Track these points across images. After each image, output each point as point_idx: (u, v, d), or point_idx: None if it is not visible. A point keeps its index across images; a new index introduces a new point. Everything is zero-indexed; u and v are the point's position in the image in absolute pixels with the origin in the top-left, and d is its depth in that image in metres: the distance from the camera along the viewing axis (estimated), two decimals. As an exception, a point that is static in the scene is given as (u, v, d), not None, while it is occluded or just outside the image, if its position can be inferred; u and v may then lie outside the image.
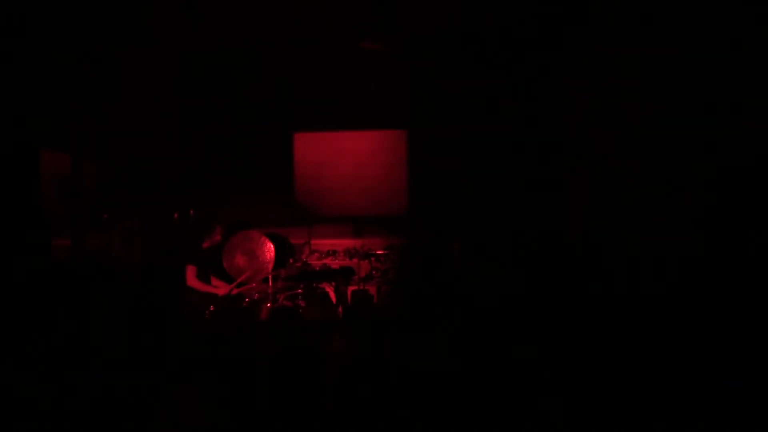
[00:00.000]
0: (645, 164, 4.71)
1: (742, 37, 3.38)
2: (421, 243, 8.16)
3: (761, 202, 3.06)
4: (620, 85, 5.31)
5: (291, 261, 7.49)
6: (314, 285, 7.40)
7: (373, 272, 7.93)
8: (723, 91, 3.59)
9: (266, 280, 5.68)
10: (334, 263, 8.04)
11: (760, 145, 3.14)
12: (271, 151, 8.48)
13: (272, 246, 6.32)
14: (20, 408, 3.67)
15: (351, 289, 7.56)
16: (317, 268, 7.70)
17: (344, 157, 8.45)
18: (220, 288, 5.61)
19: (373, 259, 8.02)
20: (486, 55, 7.92)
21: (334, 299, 7.45)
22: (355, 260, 8.13)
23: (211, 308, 4.97)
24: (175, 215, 7.88)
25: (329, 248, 8.41)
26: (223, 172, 8.54)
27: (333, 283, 7.47)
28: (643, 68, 4.80)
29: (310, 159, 8.50)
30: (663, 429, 3.57)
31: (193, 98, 8.35)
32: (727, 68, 3.54)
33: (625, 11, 5.27)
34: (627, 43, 5.18)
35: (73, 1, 5.36)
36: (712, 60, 3.71)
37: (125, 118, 6.35)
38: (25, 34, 4.67)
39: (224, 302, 5.32)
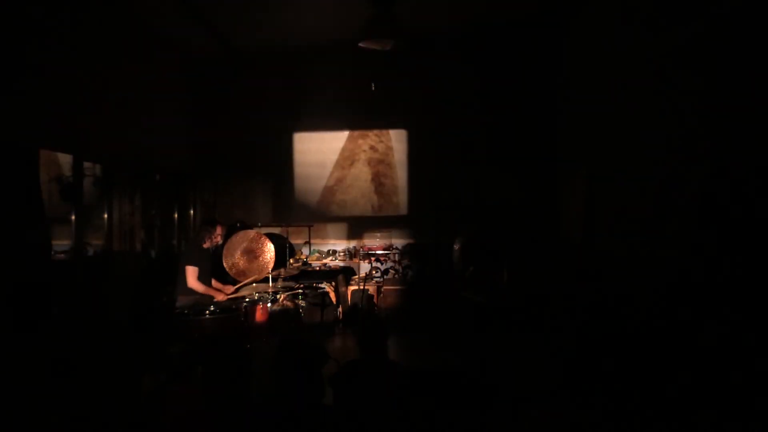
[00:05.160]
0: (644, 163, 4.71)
1: (742, 35, 3.38)
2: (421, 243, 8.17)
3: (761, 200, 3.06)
4: (619, 82, 5.31)
5: (291, 261, 7.49)
6: (314, 285, 7.41)
7: (373, 272, 7.94)
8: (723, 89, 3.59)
9: (266, 280, 5.68)
10: (334, 263, 8.06)
11: (760, 143, 3.14)
12: (271, 152, 8.49)
13: (272, 246, 6.32)
14: (21, 407, 3.67)
15: (351, 289, 7.57)
16: (317, 268, 7.70)
17: (344, 157, 8.45)
18: (220, 292, 5.61)
19: (373, 259, 8.02)
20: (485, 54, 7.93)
21: (334, 299, 7.46)
22: (355, 260, 8.14)
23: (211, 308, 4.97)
24: (176, 215, 7.88)
25: (329, 248, 8.41)
26: (223, 172, 8.57)
27: (333, 283, 7.48)
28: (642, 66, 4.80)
29: (310, 159, 8.50)
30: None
31: (194, 98, 8.37)
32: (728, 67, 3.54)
33: (622, 10, 5.27)
34: (625, 40, 5.18)
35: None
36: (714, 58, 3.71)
37: (125, 118, 6.35)
38: (25, 35, 4.67)
39: (224, 303, 5.33)
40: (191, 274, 5.39)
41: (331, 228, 8.44)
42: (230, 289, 5.76)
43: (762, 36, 3.15)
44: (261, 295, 5.48)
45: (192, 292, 5.38)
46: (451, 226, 7.64)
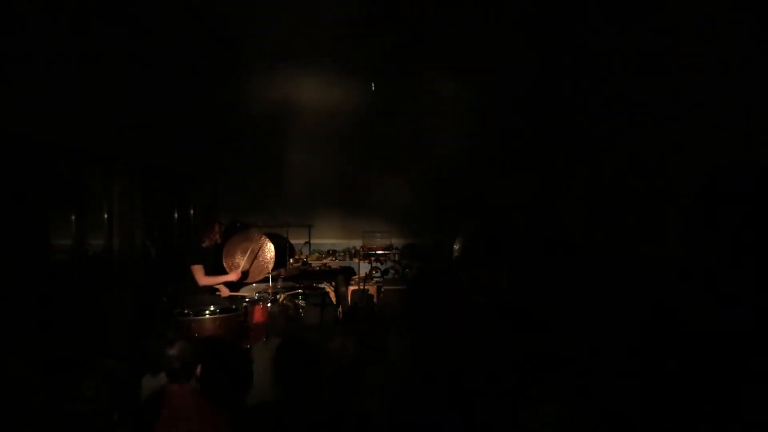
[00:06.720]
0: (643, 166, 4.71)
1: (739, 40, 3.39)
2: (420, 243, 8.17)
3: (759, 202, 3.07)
4: (619, 85, 5.31)
5: (291, 261, 7.49)
6: (314, 285, 7.41)
7: (373, 272, 7.93)
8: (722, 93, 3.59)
9: (266, 280, 5.69)
10: (334, 263, 8.04)
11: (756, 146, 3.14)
12: (272, 151, 8.48)
13: (272, 246, 6.32)
14: (21, 409, 3.66)
15: (351, 289, 7.56)
16: (317, 268, 7.69)
17: (345, 157, 8.44)
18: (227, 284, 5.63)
19: (373, 259, 8.01)
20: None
21: (334, 299, 7.45)
22: (355, 260, 8.13)
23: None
24: (176, 215, 7.88)
25: (329, 248, 8.40)
26: (223, 172, 8.56)
27: (333, 283, 7.48)
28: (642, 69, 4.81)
29: (311, 158, 8.49)
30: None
31: (194, 98, 8.36)
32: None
33: (620, 15, 5.28)
34: (624, 38, 5.19)
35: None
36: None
37: (125, 118, 6.34)
38: (27, 34, 4.67)
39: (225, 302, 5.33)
40: (199, 272, 5.41)
41: (331, 228, 8.43)
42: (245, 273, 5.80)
43: (761, 35, 3.16)
44: (261, 295, 5.48)
45: (205, 289, 5.40)
46: (451, 226, 7.63)
